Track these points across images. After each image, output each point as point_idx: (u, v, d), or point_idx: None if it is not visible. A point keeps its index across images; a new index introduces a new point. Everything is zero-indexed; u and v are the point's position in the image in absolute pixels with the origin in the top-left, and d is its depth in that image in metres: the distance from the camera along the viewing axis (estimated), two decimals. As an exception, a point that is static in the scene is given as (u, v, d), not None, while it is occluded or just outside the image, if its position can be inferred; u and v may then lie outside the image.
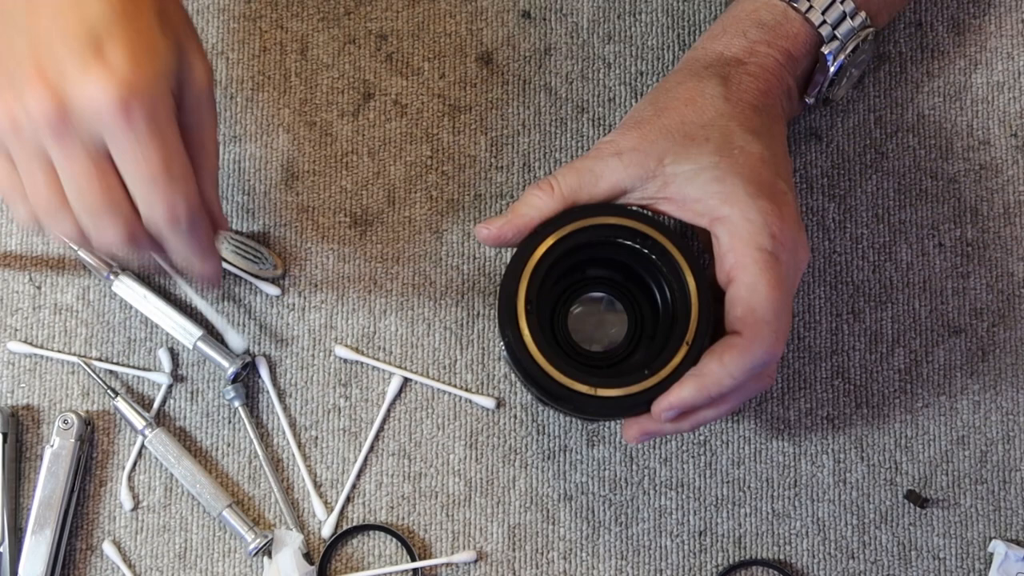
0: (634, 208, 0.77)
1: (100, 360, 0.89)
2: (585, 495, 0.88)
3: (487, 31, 0.92)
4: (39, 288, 0.90)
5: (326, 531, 0.87)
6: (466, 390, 0.89)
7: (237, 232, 0.90)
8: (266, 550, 0.86)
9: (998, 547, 0.86)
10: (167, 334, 0.89)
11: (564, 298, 0.81)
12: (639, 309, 0.81)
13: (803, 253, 0.75)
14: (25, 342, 0.89)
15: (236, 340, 0.86)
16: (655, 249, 0.76)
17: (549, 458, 0.88)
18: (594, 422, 0.88)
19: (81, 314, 0.89)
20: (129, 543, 0.88)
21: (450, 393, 0.89)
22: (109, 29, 0.63)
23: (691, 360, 0.74)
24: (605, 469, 0.88)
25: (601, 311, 0.82)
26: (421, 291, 0.90)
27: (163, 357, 0.89)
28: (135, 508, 0.88)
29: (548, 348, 0.75)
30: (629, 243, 0.76)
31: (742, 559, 0.87)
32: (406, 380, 0.89)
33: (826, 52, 0.80)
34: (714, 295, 0.76)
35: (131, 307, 0.89)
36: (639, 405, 0.75)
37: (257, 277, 0.90)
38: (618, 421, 0.87)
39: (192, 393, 0.89)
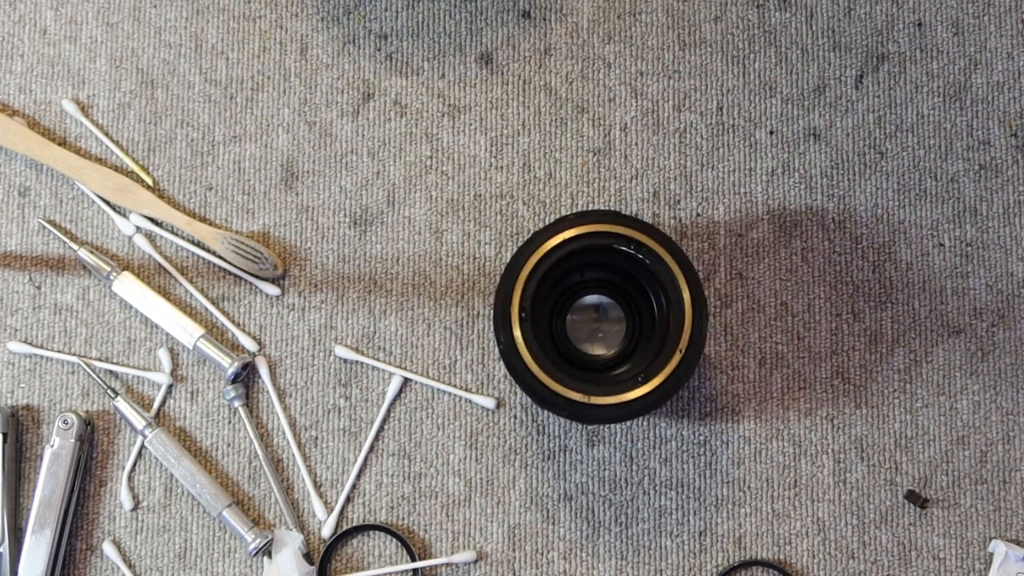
0: (630, 215, 0.78)
1: (100, 360, 0.89)
2: (585, 495, 0.88)
3: (487, 31, 0.92)
4: (39, 288, 0.90)
5: (326, 531, 0.87)
6: (466, 390, 0.89)
7: (237, 232, 0.90)
8: (266, 550, 0.86)
9: (998, 547, 0.86)
10: (167, 334, 0.89)
11: (563, 301, 0.82)
12: (637, 312, 0.81)
13: None
14: (25, 342, 0.89)
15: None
16: (650, 256, 0.77)
17: (549, 458, 0.88)
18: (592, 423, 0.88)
19: (81, 314, 0.89)
20: (129, 543, 0.88)
21: (450, 393, 0.89)
22: None
23: (684, 368, 0.75)
24: (605, 469, 0.88)
25: (600, 314, 0.83)
26: (421, 291, 0.90)
27: (163, 357, 0.89)
28: (135, 508, 0.88)
29: (542, 356, 0.75)
30: (624, 249, 0.77)
31: (742, 559, 0.87)
32: (406, 380, 0.89)
33: None
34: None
35: (131, 307, 0.89)
36: (633, 412, 0.76)
37: (257, 277, 0.90)
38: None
39: (192, 393, 0.89)
